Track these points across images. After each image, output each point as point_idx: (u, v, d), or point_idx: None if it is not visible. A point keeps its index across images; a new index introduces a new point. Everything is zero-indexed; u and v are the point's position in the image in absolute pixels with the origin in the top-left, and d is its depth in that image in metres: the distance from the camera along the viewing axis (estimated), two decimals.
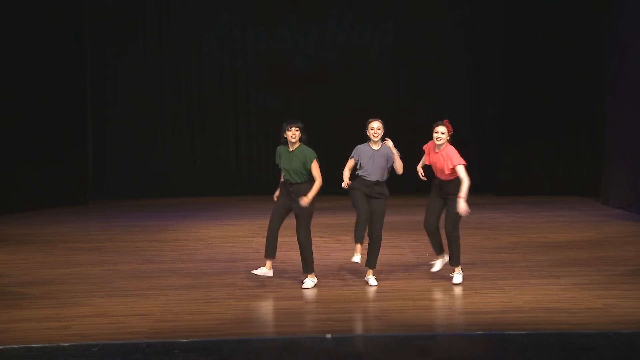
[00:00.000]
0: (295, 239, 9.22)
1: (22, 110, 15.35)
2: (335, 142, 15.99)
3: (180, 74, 17.57)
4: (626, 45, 14.47)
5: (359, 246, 9.17)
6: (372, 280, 9.29)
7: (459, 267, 9.33)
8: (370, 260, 9.33)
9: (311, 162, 9.11)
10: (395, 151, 9.21)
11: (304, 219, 9.14)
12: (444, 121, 9.20)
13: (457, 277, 9.29)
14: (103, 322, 7.99)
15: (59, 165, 15.88)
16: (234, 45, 17.47)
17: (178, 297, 8.89)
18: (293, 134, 9.17)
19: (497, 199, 16.20)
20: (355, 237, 9.19)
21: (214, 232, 13.09)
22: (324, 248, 11.32)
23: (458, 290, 9.00)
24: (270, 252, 9.21)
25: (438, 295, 8.86)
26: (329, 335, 7.36)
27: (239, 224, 13.64)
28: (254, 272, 9.28)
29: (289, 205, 9.20)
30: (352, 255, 9.18)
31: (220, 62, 17.55)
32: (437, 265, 9.55)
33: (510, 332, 7.49)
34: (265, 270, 9.23)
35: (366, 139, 9.26)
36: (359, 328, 7.91)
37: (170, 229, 13.37)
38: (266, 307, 8.54)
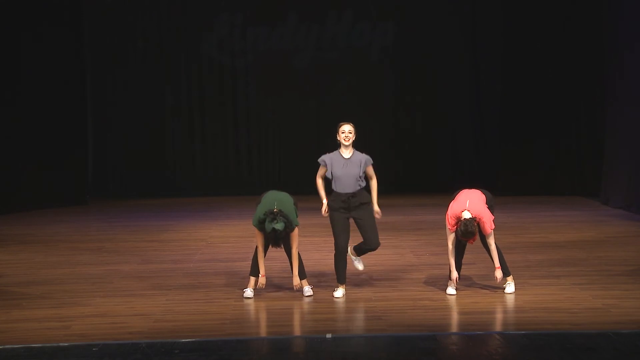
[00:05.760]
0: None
1: (22, 110, 15.34)
2: (334, 142, 15.87)
3: (180, 74, 17.57)
4: (625, 46, 14.47)
5: (343, 285, 8.75)
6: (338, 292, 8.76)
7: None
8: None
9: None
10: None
11: None
12: (474, 222, 8.88)
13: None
14: (103, 322, 7.99)
15: (59, 166, 15.87)
16: (234, 45, 17.47)
17: (178, 297, 8.88)
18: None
19: (497, 199, 16.12)
20: (337, 277, 8.74)
21: (214, 232, 13.08)
22: (324, 248, 11.31)
23: (458, 291, 8.97)
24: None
25: (438, 295, 8.85)
26: (329, 335, 7.36)
27: (239, 224, 13.62)
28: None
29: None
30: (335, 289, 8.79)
31: (220, 62, 17.55)
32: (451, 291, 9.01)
33: (510, 332, 7.48)
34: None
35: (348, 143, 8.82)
36: (359, 328, 7.90)
37: (170, 229, 13.37)
38: (266, 307, 8.53)
